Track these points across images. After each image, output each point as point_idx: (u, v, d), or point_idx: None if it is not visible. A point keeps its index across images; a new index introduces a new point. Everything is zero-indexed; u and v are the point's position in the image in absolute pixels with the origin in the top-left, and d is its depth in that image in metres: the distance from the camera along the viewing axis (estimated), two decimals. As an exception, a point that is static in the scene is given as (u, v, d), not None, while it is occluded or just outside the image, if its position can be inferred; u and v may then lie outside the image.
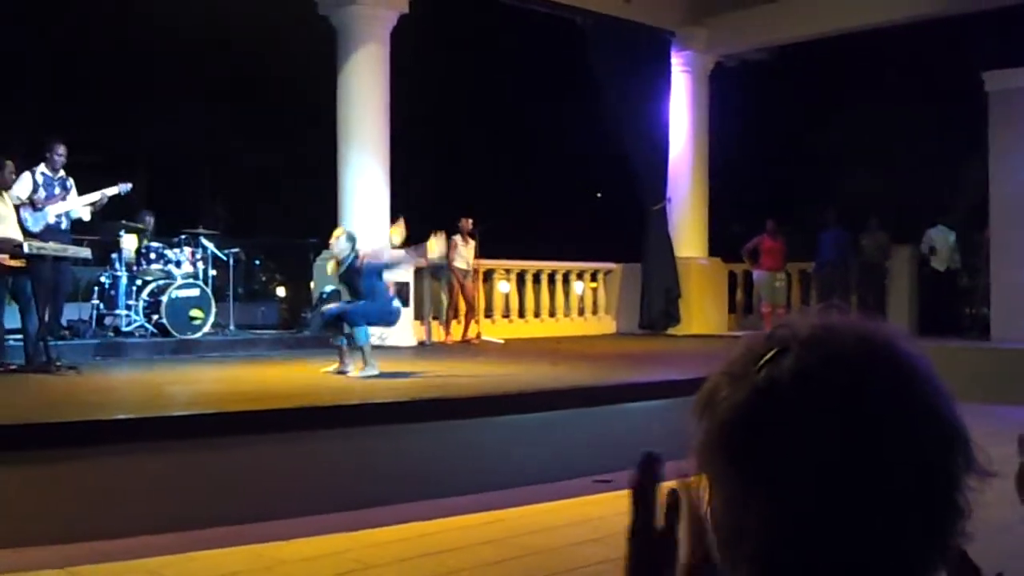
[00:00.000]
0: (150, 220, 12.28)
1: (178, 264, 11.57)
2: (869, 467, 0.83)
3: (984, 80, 13.31)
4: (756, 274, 16.03)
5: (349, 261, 8.65)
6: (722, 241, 16.68)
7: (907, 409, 0.85)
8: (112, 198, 10.73)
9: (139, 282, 11.23)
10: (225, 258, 12.49)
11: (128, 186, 10.85)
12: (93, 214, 10.66)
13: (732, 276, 16.69)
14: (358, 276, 8.63)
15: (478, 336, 13.67)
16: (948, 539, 0.87)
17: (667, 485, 0.97)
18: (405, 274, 12.58)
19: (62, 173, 10.24)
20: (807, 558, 0.85)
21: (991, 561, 1.16)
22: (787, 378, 0.86)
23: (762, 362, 0.88)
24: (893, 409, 0.85)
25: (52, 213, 10.02)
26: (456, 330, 13.57)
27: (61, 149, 10.22)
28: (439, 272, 13.56)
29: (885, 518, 0.84)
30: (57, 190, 10.13)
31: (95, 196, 10.46)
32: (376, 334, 12.15)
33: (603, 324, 15.94)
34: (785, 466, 0.85)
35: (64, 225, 10.24)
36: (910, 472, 0.84)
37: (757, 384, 0.87)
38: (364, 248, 8.92)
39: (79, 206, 10.33)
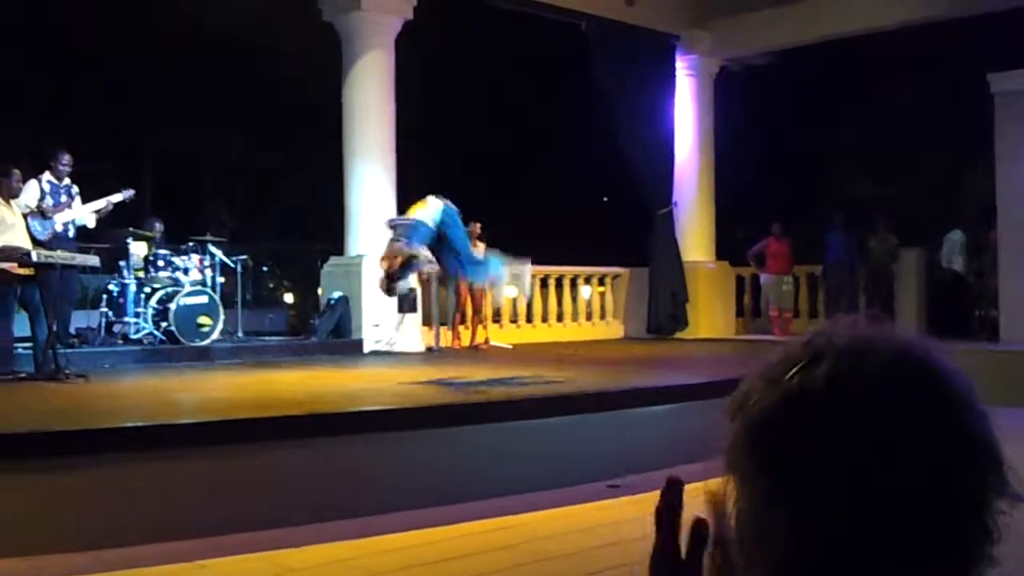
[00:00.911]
0: (159, 227, 12.32)
1: (186, 271, 11.59)
2: (895, 481, 0.82)
3: (990, 82, 13.30)
4: (763, 278, 16.03)
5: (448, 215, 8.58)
6: (729, 245, 16.67)
7: (940, 426, 0.84)
8: (120, 205, 10.79)
9: (147, 289, 11.26)
10: (233, 265, 12.50)
11: (132, 192, 10.91)
12: (100, 221, 10.71)
13: (740, 280, 16.68)
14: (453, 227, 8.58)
15: (486, 341, 13.67)
16: (973, 562, 0.86)
17: (693, 502, 0.96)
18: (412, 280, 12.59)
19: (67, 181, 10.29)
20: (827, 568, 0.85)
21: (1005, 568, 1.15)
22: (819, 385, 0.86)
23: (796, 368, 0.88)
24: (925, 425, 0.84)
25: (59, 221, 10.06)
26: (464, 335, 13.57)
27: (66, 158, 10.26)
28: (447, 277, 13.57)
29: (909, 535, 0.83)
30: (63, 198, 10.19)
31: (100, 203, 10.51)
32: (384, 340, 12.20)
33: (611, 328, 15.93)
34: (811, 473, 0.84)
35: (71, 233, 10.29)
36: (938, 490, 0.83)
37: (789, 389, 0.87)
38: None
39: (85, 213, 10.37)
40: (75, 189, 10.36)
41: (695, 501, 0.95)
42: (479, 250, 13.60)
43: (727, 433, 0.91)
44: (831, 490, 0.83)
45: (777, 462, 0.86)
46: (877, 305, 14.33)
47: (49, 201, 10.02)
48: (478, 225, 13.72)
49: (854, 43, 15.44)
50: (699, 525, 0.94)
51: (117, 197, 10.64)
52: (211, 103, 19.78)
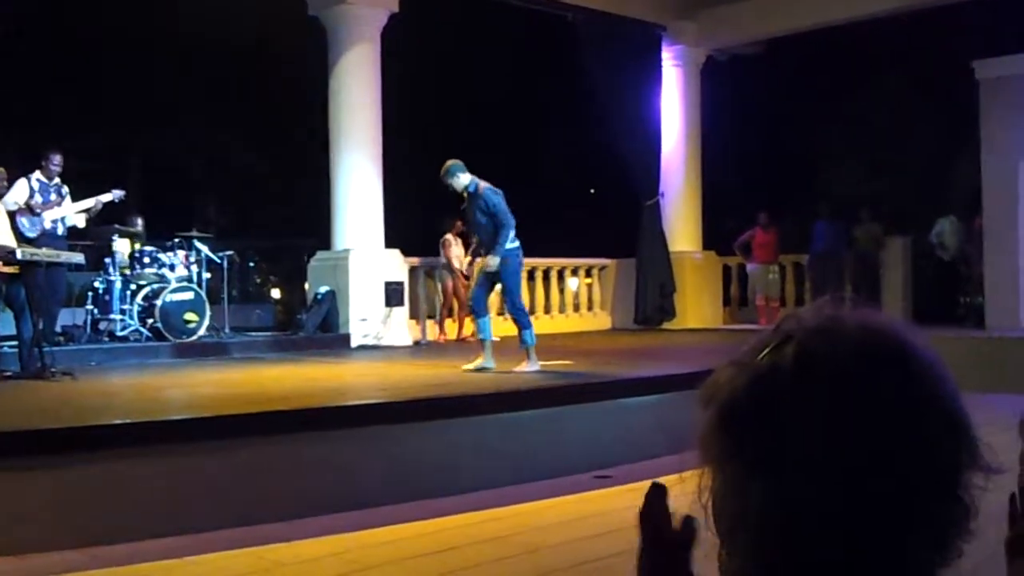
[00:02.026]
0: (139, 223, 12.28)
1: (172, 268, 11.55)
2: (867, 457, 0.82)
3: (974, 69, 13.33)
4: (750, 267, 16.06)
5: (472, 189, 9.02)
6: (716, 235, 16.69)
7: (910, 401, 0.84)
8: (106, 204, 10.75)
9: (133, 286, 11.22)
10: (219, 261, 12.45)
11: (122, 193, 10.90)
12: (88, 220, 10.67)
13: (726, 270, 16.71)
14: (483, 202, 8.89)
15: (473, 334, 13.63)
16: (949, 536, 0.86)
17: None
18: (399, 273, 12.59)
19: (57, 180, 10.29)
20: (802, 547, 0.84)
21: (988, 548, 1.16)
22: (788, 363, 0.86)
23: (766, 350, 0.88)
24: (895, 400, 0.83)
25: (48, 219, 10.05)
26: (451, 329, 13.56)
27: (57, 159, 10.28)
28: (434, 271, 13.56)
29: (882, 510, 0.82)
30: (52, 196, 10.18)
31: (90, 202, 10.50)
32: (372, 334, 12.18)
33: (599, 320, 15.94)
34: (782, 451, 0.83)
35: (60, 231, 10.29)
36: (910, 464, 0.82)
37: (758, 369, 0.87)
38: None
39: (73, 212, 10.35)
40: (65, 189, 10.36)
41: (678, 489, 0.95)
42: (459, 249, 13.61)
43: (701, 420, 0.90)
44: (803, 468, 0.83)
45: (749, 443, 0.86)
46: (863, 294, 14.33)
47: (38, 199, 10.01)
48: (459, 223, 13.67)
49: (840, 32, 15.45)
50: (687, 524, 0.93)
51: (107, 197, 10.62)
52: (199, 100, 19.70)
